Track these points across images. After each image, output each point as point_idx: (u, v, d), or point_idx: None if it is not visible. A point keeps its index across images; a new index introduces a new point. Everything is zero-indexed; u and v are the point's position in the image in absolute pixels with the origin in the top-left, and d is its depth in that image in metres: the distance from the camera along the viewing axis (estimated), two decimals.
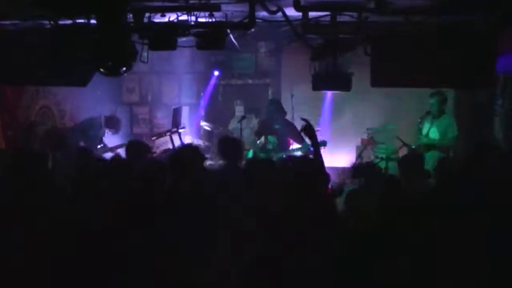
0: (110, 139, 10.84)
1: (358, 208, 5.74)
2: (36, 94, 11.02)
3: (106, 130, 10.61)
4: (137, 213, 5.35)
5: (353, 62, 8.78)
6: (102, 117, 10.59)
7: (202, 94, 13.01)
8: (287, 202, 5.24)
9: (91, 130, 10.41)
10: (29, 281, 4.87)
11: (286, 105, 11.09)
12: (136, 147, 8.09)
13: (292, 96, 11.42)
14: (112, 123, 10.59)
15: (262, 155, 9.90)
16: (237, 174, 6.40)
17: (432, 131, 9.36)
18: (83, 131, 10.35)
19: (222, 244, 4.91)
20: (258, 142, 10.34)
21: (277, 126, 10.21)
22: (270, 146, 10.08)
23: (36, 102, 11.08)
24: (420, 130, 9.49)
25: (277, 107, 10.42)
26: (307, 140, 8.02)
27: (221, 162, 7.45)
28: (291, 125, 10.46)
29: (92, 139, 10.31)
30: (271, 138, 10.10)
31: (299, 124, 10.91)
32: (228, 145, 7.47)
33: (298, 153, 9.87)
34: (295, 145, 10.29)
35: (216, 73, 12.57)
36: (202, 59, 12.83)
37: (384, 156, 10.05)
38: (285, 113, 10.47)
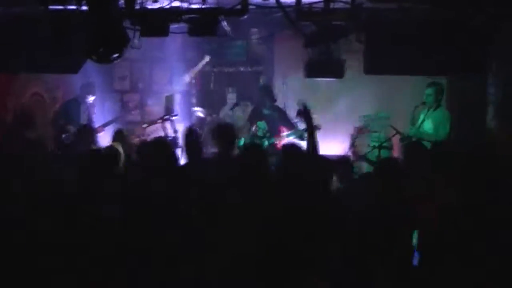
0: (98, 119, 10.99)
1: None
2: (27, 81, 10.95)
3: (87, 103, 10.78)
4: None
5: (346, 50, 8.75)
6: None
7: (193, 81, 12.96)
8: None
9: (71, 111, 10.43)
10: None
11: (279, 93, 11.05)
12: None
13: (284, 84, 11.40)
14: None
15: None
16: (231, 164, 6.37)
17: (426, 123, 9.26)
18: (64, 114, 10.36)
19: (220, 240, 4.89)
20: (251, 129, 10.31)
21: (266, 112, 10.19)
22: (260, 133, 10.04)
23: (27, 89, 11.02)
24: (413, 120, 9.43)
25: (266, 92, 10.39)
26: (302, 124, 8.00)
27: (213, 150, 7.40)
28: (281, 111, 10.44)
29: (76, 119, 10.32)
30: (261, 124, 10.06)
31: (292, 111, 10.96)
32: (224, 133, 7.42)
33: (290, 138, 9.85)
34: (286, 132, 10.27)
35: (207, 58, 12.52)
36: (193, 47, 12.75)
37: (376, 144, 10.05)
38: (274, 99, 10.44)
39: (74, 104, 10.63)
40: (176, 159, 6.50)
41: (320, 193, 5.67)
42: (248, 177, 5.64)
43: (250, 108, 11.60)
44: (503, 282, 4.62)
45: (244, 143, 9.23)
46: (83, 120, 10.59)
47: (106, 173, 6.09)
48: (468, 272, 4.62)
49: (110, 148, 7.05)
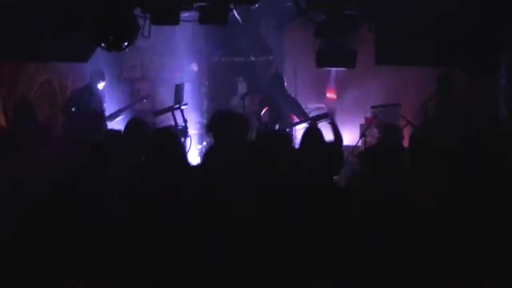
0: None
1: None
2: (36, 70, 10.93)
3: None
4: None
5: (357, 39, 8.70)
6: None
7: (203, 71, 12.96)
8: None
9: (83, 99, 10.39)
10: None
11: (290, 82, 11.01)
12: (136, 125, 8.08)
13: (294, 73, 11.36)
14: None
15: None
16: (243, 152, 6.36)
17: (438, 115, 9.31)
18: (76, 102, 10.33)
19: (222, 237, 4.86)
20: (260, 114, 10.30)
21: (277, 100, 10.16)
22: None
23: (37, 77, 10.99)
24: (425, 110, 9.44)
25: (277, 82, 10.37)
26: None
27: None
28: (292, 100, 10.42)
29: (87, 106, 10.29)
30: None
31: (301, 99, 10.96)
32: (237, 122, 7.43)
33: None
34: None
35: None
36: (204, 35, 12.71)
37: None
38: (285, 89, 10.43)
39: (86, 92, 10.60)
40: (183, 149, 6.51)
41: (328, 189, 5.67)
42: (256, 169, 5.63)
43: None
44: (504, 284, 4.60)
45: (256, 134, 9.19)
46: (95, 108, 10.55)
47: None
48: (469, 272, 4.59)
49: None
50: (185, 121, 10.02)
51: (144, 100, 12.14)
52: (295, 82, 11.34)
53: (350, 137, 10.70)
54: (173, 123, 10.14)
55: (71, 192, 5.48)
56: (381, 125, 9.91)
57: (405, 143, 9.78)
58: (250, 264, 4.70)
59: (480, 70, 8.50)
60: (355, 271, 4.73)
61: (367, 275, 4.67)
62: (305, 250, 4.78)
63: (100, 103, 10.74)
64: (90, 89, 10.60)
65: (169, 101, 10.89)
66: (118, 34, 7.50)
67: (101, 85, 10.78)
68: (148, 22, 7.99)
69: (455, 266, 4.61)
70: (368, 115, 10.88)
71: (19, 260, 4.75)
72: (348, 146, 10.08)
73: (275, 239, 4.82)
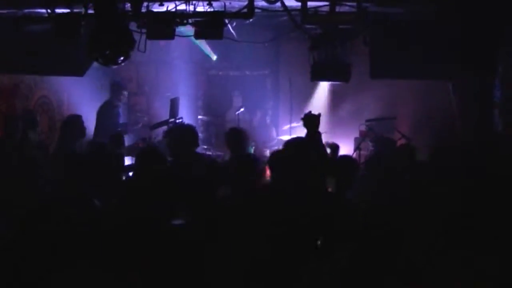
0: None
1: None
2: (34, 84, 10.94)
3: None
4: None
5: (352, 53, 8.73)
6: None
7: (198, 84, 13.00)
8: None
9: (102, 115, 10.30)
10: None
11: (284, 94, 11.04)
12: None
13: (290, 84, 11.42)
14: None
15: None
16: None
17: None
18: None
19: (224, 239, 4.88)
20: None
21: None
22: None
23: (35, 91, 11.00)
24: None
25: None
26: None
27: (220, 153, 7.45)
28: None
29: (106, 122, 10.21)
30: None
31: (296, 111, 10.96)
32: (236, 137, 7.49)
33: None
34: None
35: (214, 57, 12.51)
36: (199, 49, 12.75)
37: None
38: None
39: (108, 108, 10.50)
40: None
41: (324, 194, 5.70)
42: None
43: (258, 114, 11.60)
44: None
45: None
46: (115, 123, 10.48)
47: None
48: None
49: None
50: None
51: (138, 114, 12.12)
52: (290, 95, 11.37)
53: (345, 150, 10.73)
54: None
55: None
56: (375, 138, 9.94)
57: None
58: (249, 268, 4.72)
59: (475, 75, 8.59)
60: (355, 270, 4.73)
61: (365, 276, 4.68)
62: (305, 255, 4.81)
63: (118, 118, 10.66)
64: (113, 104, 10.53)
65: (165, 114, 10.93)
66: (114, 49, 7.51)
67: (123, 97, 10.76)
68: (144, 36, 8.01)
69: (455, 266, 4.62)
70: (363, 128, 10.93)
71: (16, 259, 4.75)
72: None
73: (275, 245, 4.85)
